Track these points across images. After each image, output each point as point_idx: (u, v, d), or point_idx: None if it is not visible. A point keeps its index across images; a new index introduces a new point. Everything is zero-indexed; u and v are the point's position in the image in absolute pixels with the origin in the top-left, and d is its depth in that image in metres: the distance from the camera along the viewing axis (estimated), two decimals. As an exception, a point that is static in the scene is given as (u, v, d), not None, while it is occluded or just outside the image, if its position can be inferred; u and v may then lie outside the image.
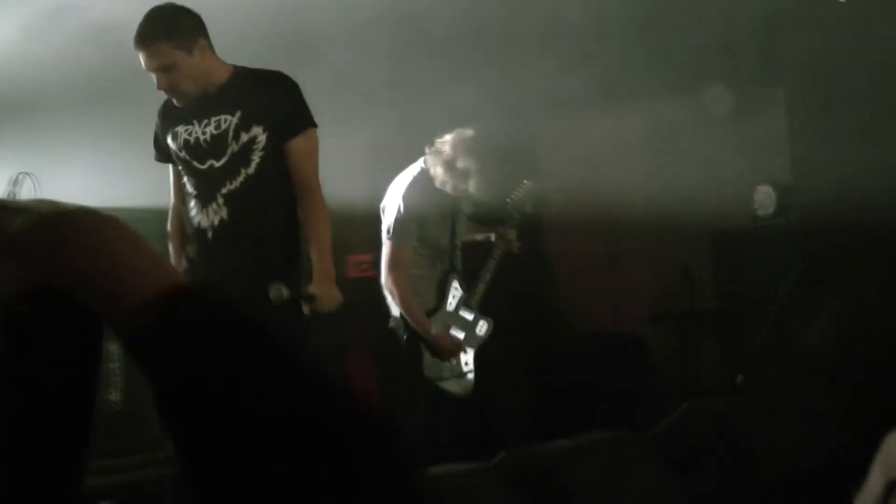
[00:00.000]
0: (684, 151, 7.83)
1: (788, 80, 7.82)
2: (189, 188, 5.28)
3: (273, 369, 1.05)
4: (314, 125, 5.26)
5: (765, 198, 7.56)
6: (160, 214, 6.86)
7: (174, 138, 5.28)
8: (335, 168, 7.26)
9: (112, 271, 1.05)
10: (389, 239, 6.45)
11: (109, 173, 6.92)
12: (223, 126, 5.17)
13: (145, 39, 5.02)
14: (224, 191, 5.17)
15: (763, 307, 7.46)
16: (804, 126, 7.70)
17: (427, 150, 6.49)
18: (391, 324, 6.58)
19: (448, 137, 6.47)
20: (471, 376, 6.59)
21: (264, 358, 1.06)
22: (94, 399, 1.14)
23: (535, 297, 8.52)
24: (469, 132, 6.46)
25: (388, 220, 6.48)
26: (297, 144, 5.21)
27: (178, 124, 5.26)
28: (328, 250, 5.34)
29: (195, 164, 5.23)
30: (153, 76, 5.09)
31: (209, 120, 5.20)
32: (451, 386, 6.58)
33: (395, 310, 6.55)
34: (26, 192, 5.86)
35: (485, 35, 7.78)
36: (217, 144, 5.17)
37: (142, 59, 5.05)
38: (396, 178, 6.59)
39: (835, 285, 7.29)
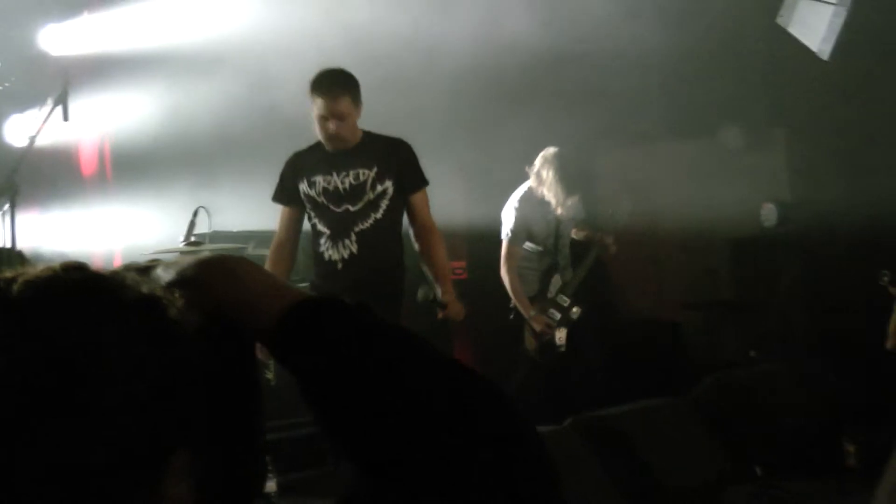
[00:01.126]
0: (709, 178, 7.91)
1: (788, 120, 7.89)
2: (321, 227, 5.30)
3: (394, 362, 1.04)
4: (428, 183, 5.43)
5: (769, 212, 7.59)
6: (305, 234, 7.19)
7: (311, 185, 5.29)
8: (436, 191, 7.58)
9: (248, 300, 1.09)
10: (505, 239, 6.62)
11: (261, 204, 7.21)
12: (362, 178, 5.24)
13: (332, 89, 5.10)
14: (357, 230, 5.23)
15: (770, 297, 7.62)
16: (801, 156, 7.78)
17: (527, 168, 6.64)
18: (512, 304, 6.67)
19: (540, 154, 6.62)
20: (563, 350, 6.61)
21: (384, 352, 1.05)
22: (259, 387, 1.16)
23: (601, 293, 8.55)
24: (552, 149, 6.58)
25: (505, 225, 6.63)
26: (418, 197, 5.37)
27: (315, 174, 5.28)
28: (450, 275, 5.48)
29: (331, 207, 5.27)
30: (319, 122, 5.16)
31: (348, 172, 5.25)
32: (539, 356, 6.64)
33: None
34: (202, 222, 6.05)
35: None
36: (355, 192, 5.24)
37: (319, 104, 5.12)
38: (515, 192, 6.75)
39: (824, 281, 7.40)
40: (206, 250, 5.92)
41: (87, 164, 7.22)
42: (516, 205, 6.64)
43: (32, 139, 5.34)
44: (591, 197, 6.87)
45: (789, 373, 6.40)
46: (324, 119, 5.17)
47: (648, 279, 8.62)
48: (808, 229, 7.48)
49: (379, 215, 5.28)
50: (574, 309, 6.71)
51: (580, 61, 7.54)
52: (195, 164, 7.25)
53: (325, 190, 5.29)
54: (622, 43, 7.41)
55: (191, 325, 1.04)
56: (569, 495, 3.57)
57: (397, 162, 5.33)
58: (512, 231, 6.59)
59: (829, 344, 7.03)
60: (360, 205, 5.27)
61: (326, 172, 5.29)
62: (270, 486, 5.38)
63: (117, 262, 7.11)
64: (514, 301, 6.66)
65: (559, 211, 6.58)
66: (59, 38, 6.97)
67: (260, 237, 7.01)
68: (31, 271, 0.99)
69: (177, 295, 1.05)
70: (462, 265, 8.29)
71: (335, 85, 5.14)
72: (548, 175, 6.55)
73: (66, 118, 5.43)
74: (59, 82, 5.46)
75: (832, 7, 6.47)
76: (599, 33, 7.33)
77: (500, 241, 6.78)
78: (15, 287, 0.97)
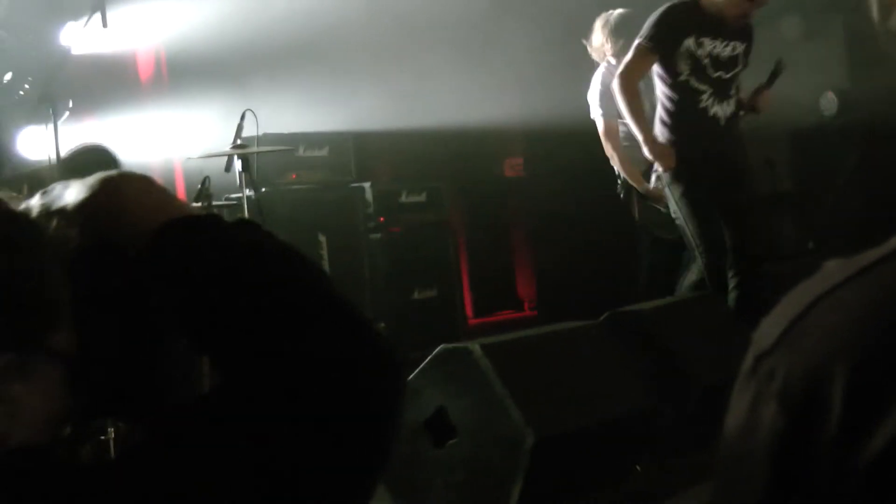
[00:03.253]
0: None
1: (846, 8, 7.60)
2: (699, 85, 5.49)
3: (266, 283, 1.06)
4: None
5: (829, 102, 7.47)
6: (357, 135, 7.16)
7: (699, 45, 5.46)
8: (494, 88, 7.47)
9: (129, 220, 1.10)
10: (597, 117, 6.37)
11: (308, 108, 7.15)
12: (736, 50, 5.54)
13: None
14: (731, 93, 5.58)
15: (828, 188, 7.44)
16: (860, 44, 7.48)
17: (584, 41, 6.48)
18: (619, 182, 6.46)
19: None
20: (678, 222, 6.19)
21: (240, 272, 1.06)
22: (151, 310, 1.14)
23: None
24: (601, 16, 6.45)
25: (592, 105, 6.40)
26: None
27: (703, 35, 5.46)
28: None
29: (710, 70, 5.49)
30: (743, 7, 5.41)
31: (728, 43, 5.50)
32: (663, 231, 6.35)
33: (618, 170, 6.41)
34: (250, 125, 6.02)
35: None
36: (730, 62, 5.53)
37: None
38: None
39: (884, 172, 7.13)
40: (253, 152, 5.93)
41: (144, 69, 7.22)
42: (595, 80, 6.41)
43: (69, 48, 5.34)
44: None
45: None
46: (753, 3, 5.44)
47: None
48: (868, 118, 7.25)
49: (737, 83, 5.66)
50: None
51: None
52: (247, 66, 7.16)
53: (710, 53, 5.49)
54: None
55: (63, 241, 1.09)
56: (603, 392, 3.46)
57: (750, 39, 5.68)
58: (600, 105, 6.34)
59: (887, 236, 6.80)
60: (730, 74, 5.57)
61: (713, 37, 5.49)
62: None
63: (176, 168, 7.19)
64: (623, 175, 6.36)
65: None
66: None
67: (310, 139, 6.99)
68: None
69: (51, 214, 1.12)
70: (520, 161, 8.19)
71: None
72: (602, 37, 6.38)
73: (104, 25, 5.41)
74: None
75: None
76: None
77: (556, 137, 6.62)
78: None
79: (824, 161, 7.63)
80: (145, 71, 7.23)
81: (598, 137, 6.39)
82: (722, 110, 5.54)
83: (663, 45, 5.46)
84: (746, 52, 5.61)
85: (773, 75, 5.70)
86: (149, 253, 1.08)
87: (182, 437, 1.02)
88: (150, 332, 1.16)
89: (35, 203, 1.15)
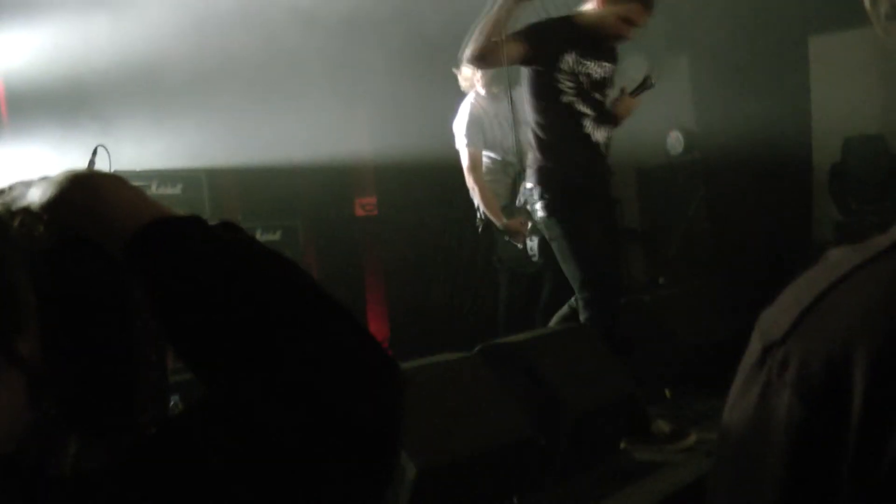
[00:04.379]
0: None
1: (690, 50, 7.87)
2: (582, 108, 5.16)
3: (242, 284, 1.01)
4: None
5: (675, 141, 7.66)
6: (210, 172, 7.00)
7: (580, 64, 5.10)
8: (344, 126, 7.39)
9: (109, 217, 1.05)
10: (462, 147, 6.27)
11: (160, 143, 6.96)
12: (608, 73, 5.25)
13: (653, 6, 5.15)
14: (606, 118, 5.26)
15: (675, 224, 7.63)
16: (704, 85, 7.71)
17: (454, 69, 6.30)
18: (479, 216, 6.34)
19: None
20: (535, 258, 6.08)
21: (231, 274, 1.02)
22: (130, 317, 1.10)
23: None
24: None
25: (457, 133, 6.31)
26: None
27: (584, 54, 5.12)
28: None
29: (592, 92, 5.17)
30: (619, 23, 5.09)
31: (601, 63, 5.17)
32: (521, 266, 6.30)
33: (478, 203, 6.29)
34: (101, 161, 5.84)
35: None
36: (604, 83, 5.23)
37: (638, 12, 5.08)
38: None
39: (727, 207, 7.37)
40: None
41: (-19, 104, 6.91)
42: (463, 109, 6.36)
43: None
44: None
45: (693, 297, 6.39)
46: (630, 25, 5.15)
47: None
48: (712, 157, 7.47)
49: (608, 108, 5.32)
50: None
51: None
52: (96, 101, 6.94)
53: (589, 73, 5.16)
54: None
55: (28, 241, 1.04)
56: (481, 422, 3.40)
57: (616, 64, 5.38)
58: (466, 135, 6.28)
59: (734, 267, 7.00)
60: (604, 97, 5.27)
61: (591, 56, 5.16)
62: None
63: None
64: (483, 210, 6.30)
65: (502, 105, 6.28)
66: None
67: (163, 176, 6.82)
68: None
69: (25, 211, 1.07)
70: (372, 201, 8.14)
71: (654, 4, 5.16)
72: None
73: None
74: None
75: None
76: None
77: (411, 175, 6.58)
78: None
79: (671, 198, 7.81)
80: (-17, 106, 6.91)
81: (454, 171, 6.37)
82: (601, 135, 5.26)
83: (541, 46, 5.10)
84: (613, 74, 5.34)
85: (641, 86, 5.51)
86: (131, 254, 1.03)
87: (174, 450, 0.94)
88: (122, 338, 1.10)
89: None
